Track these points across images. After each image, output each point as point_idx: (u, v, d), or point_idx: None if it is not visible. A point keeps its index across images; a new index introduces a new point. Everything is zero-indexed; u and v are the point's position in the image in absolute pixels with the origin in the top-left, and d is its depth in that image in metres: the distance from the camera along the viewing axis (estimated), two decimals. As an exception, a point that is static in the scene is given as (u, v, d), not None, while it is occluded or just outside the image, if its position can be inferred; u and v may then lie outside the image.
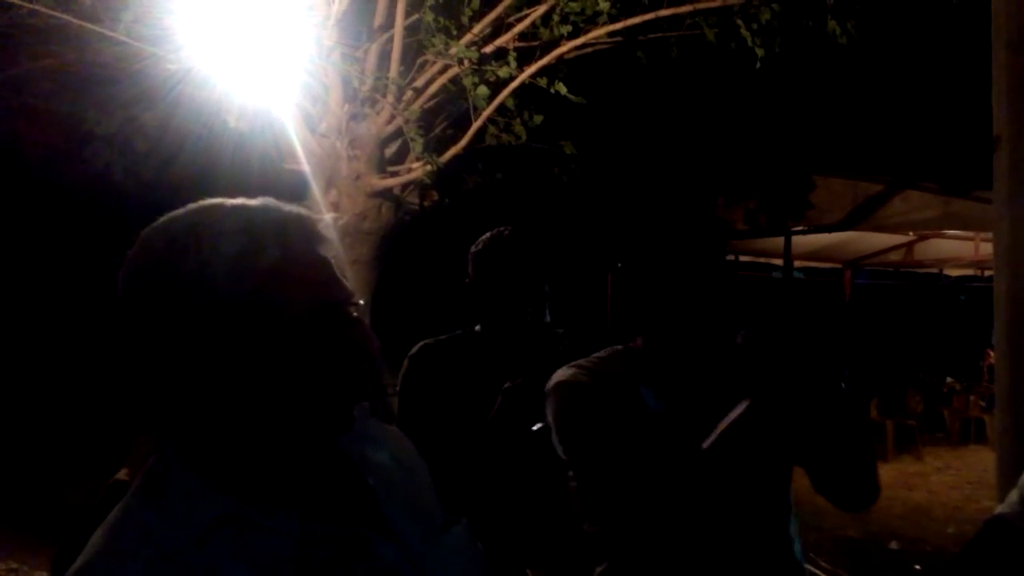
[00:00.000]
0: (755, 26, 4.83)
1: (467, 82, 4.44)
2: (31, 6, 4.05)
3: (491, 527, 1.41)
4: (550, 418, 1.56)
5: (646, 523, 1.44)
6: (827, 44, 5.07)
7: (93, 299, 4.11)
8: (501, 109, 4.75)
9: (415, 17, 4.52)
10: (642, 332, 1.60)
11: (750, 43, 4.83)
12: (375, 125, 4.60)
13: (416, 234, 5.90)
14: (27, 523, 5.62)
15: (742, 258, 9.81)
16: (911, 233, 9.20)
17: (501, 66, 4.45)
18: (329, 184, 4.59)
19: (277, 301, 0.89)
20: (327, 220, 0.97)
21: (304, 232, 0.93)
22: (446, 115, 5.16)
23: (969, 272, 11.82)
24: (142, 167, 4.92)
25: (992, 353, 6.76)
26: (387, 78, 4.39)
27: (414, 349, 2.17)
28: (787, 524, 1.57)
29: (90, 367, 7.31)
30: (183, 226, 0.90)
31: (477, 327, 2.19)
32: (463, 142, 4.64)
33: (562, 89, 4.60)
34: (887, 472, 7.80)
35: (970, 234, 8.60)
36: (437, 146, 4.74)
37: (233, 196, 0.95)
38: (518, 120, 4.91)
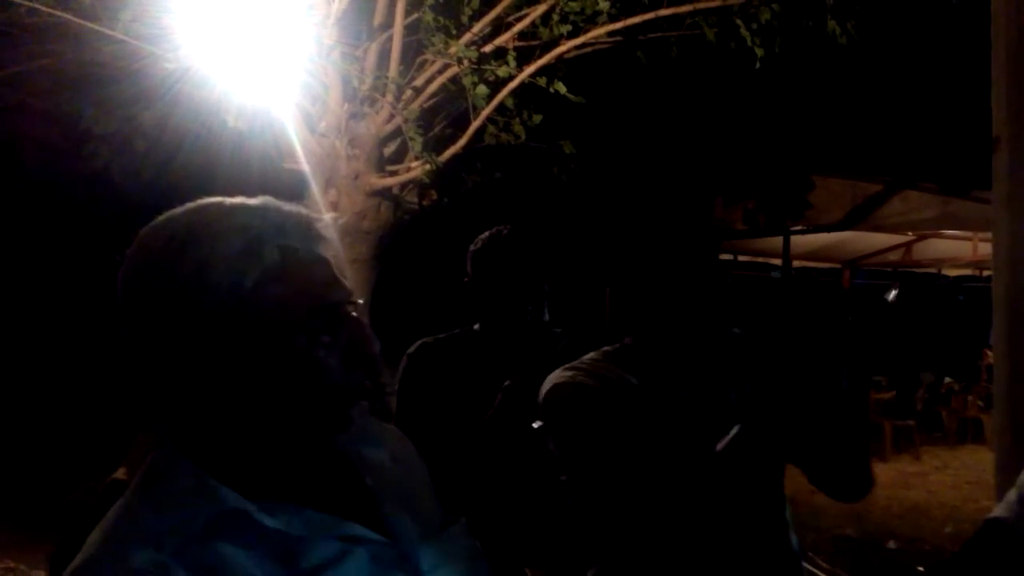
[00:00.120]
0: (755, 26, 4.83)
1: (466, 81, 4.44)
2: (30, 4, 4.04)
3: (490, 526, 1.41)
4: (546, 421, 1.56)
5: (646, 524, 1.44)
6: (827, 44, 5.07)
7: (92, 298, 4.10)
8: (500, 108, 4.75)
9: (415, 16, 4.52)
10: (631, 331, 1.60)
11: (750, 43, 4.83)
12: (374, 124, 4.60)
13: (415, 233, 5.91)
14: (25, 522, 5.61)
15: (741, 258, 9.83)
16: (910, 233, 9.21)
17: (500, 65, 4.45)
18: (328, 183, 4.58)
19: (276, 300, 0.89)
20: (326, 219, 0.97)
21: (303, 231, 0.93)
22: (445, 114, 5.16)
23: (967, 272, 11.85)
24: (141, 166, 4.91)
25: (990, 353, 6.76)
26: (386, 77, 4.39)
27: (413, 348, 2.17)
28: (783, 511, 1.57)
29: (89, 366, 7.31)
30: (182, 225, 0.90)
31: (476, 326, 2.19)
32: (462, 141, 4.64)
33: (561, 88, 4.60)
34: (885, 472, 7.81)
35: (968, 234, 8.62)
36: (436, 145, 4.74)
37: (232, 195, 0.95)
38: (517, 120, 4.91)
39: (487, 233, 2.15)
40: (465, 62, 4.38)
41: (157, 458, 0.93)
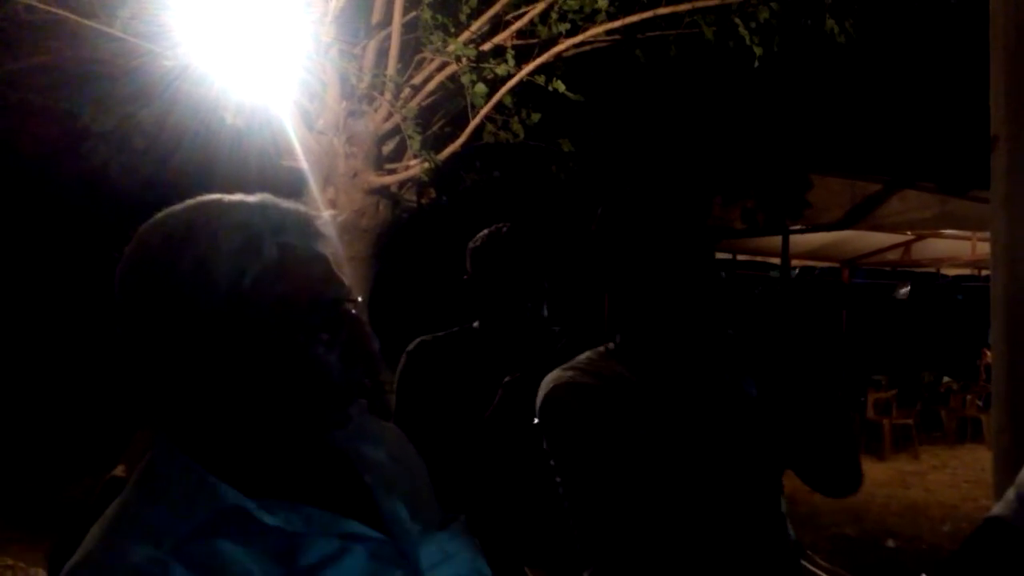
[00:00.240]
0: (753, 25, 4.83)
1: (465, 80, 4.44)
2: (28, 1, 4.04)
3: (489, 524, 1.41)
4: (543, 423, 1.55)
5: (643, 523, 1.44)
6: (825, 43, 5.07)
7: (90, 295, 4.10)
8: (499, 107, 4.75)
9: (413, 14, 4.52)
10: (620, 330, 1.60)
11: (748, 42, 4.84)
12: (373, 122, 4.60)
13: (414, 231, 5.90)
14: (24, 519, 5.61)
15: (740, 257, 9.83)
16: (909, 232, 9.22)
17: (499, 64, 4.44)
18: (327, 181, 4.58)
19: (275, 298, 0.89)
20: (325, 217, 0.97)
21: (302, 229, 0.93)
22: (444, 112, 5.16)
23: (966, 272, 11.86)
24: (139, 164, 4.91)
25: (989, 352, 6.76)
26: (385, 75, 4.39)
27: (412, 345, 2.17)
28: (779, 503, 1.58)
29: (87, 363, 7.31)
30: (181, 222, 0.90)
31: (475, 323, 2.19)
32: (461, 140, 4.63)
33: (560, 87, 4.60)
34: (884, 471, 7.83)
35: (967, 234, 8.62)
36: (435, 143, 4.74)
37: (231, 192, 0.95)
38: (516, 118, 4.91)
39: (486, 231, 2.15)
40: (464, 60, 4.38)
41: (156, 455, 0.93)
